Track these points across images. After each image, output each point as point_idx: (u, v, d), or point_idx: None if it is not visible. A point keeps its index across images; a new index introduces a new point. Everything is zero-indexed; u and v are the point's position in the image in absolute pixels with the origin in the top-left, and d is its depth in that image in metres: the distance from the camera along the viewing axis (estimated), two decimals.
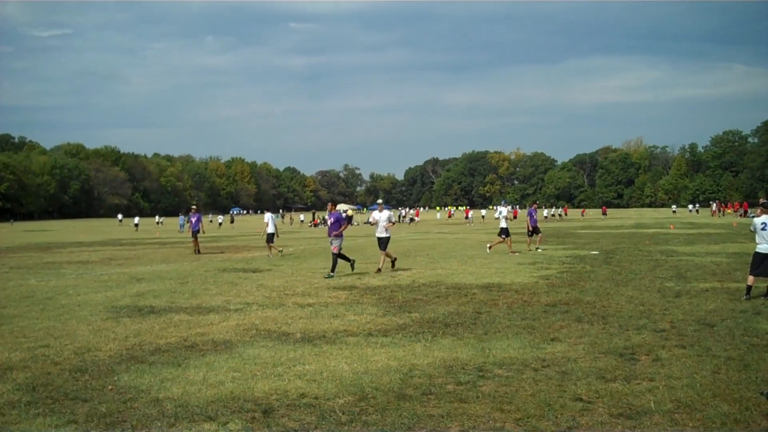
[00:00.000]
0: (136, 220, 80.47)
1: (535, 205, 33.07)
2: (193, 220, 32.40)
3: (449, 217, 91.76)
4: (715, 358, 8.66)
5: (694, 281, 16.67)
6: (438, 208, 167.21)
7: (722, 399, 6.97)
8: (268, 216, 29.37)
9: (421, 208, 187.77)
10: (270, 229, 28.24)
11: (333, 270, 19.57)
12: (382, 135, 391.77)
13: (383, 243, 21.07)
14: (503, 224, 27.28)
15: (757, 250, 14.31)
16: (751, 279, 14.03)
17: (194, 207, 36.23)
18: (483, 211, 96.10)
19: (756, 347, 9.22)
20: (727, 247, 28.52)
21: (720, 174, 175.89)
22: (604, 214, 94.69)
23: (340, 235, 20.20)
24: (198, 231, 31.81)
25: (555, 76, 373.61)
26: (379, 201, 22.23)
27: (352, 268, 20.20)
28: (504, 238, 26.89)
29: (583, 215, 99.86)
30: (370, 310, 13.32)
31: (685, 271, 19.09)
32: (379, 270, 20.42)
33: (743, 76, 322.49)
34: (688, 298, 13.97)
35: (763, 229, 14.16)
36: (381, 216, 21.29)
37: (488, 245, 28.53)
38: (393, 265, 21.13)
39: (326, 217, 21.01)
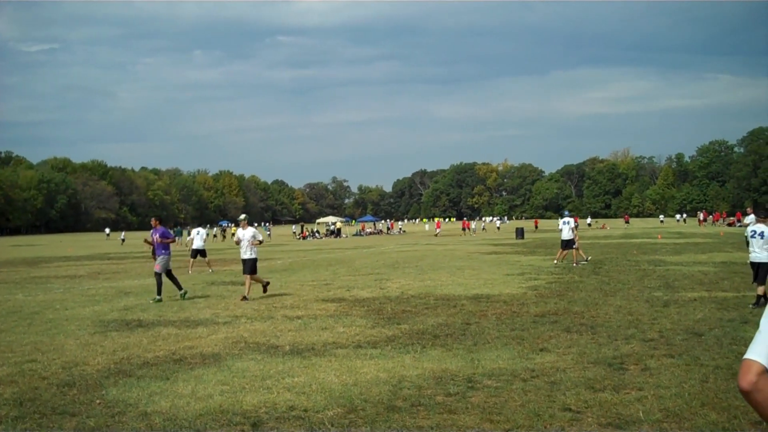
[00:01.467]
0: (122, 234, 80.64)
1: (576, 217, 31.82)
2: (155, 236, 31.10)
3: (466, 227, 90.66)
4: (703, 367, 8.68)
5: (682, 291, 16.73)
6: (424, 219, 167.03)
7: (711, 408, 6.99)
8: (194, 232, 28.93)
9: (416, 220, 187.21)
10: (196, 245, 27.88)
11: (159, 293, 17.39)
12: (370, 147, 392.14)
13: (248, 265, 17.73)
14: (568, 235, 26.18)
15: (749, 259, 14.27)
16: (760, 289, 13.78)
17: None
18: (498, 222, 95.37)
19: (743, 356, 9.23)
20: (714, 256, 28.63)
21: (707, 184, 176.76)
22: (627, 222, 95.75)
23: (167, 251, 18.03)
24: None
25: (543, 87, 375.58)
26: (242, 217, 19.30)
27: (181, 295, 17.74)
28: (571, 249, 26.19)
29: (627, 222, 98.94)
30: (359, 322, 13.30)
31: (672, 280, 19.15)
32: (244, 298, 17.15)
33: (729, 86, 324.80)
34: (676, 307, 14.01)
35: (752, 236, 14.17)
36: (245, 234, 18.17)
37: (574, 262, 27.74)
38: (264, 290, 18.16)
39: (151, 234, 17.76)
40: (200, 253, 28.10)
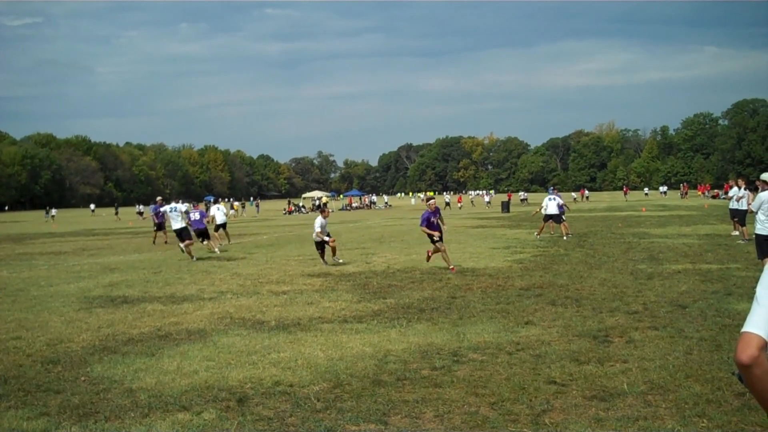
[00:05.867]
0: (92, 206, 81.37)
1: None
2: (161, 210, 31.39)
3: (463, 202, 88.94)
4: (687, 339, 8.73)
5: (667, 263, 16.79)
6: (411, 193, 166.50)
7: (695, 380, 7.02)
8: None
9: (401, 193, 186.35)
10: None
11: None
12: (356, 121, 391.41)
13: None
14: (555, 210, 26.28)
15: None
16: None
17: (159, 198, 34.07)
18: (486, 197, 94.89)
19: (727, 328, 9.30)
20: (699, 228, 28.74)
21: (691, 156, 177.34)
22: (625, 194, 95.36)
23: None
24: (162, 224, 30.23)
25: (528, 60, 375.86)
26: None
27: None
28: (559, 223, 26.39)
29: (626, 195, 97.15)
30: (344, 296, 13.31)
31: (657, 253, 19.22)
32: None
33: (714, 58, 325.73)
34: (660, 279, 14.07)
35: None
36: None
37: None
38: None
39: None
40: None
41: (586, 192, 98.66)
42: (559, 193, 28.22)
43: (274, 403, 6.78)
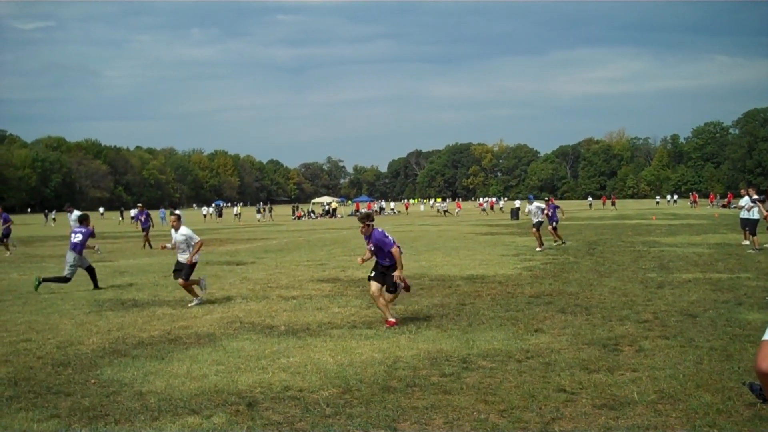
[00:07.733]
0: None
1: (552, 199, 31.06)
2: (142, 218, 32.98)
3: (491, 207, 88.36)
4: (697, 349, 8.70)
5: (677, 272, 16.74)
6: (417, 200, 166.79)
7: (705, 389, 7.00)
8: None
9: (411, 200, 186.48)
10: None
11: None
12: (366, 127, 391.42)
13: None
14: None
15: None
16: None
17: (140, 205, 37.67)
18: (486, 202, 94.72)
19: (738, 337, 9.26)
20: (709, 237, 28.64)
21: (701, 165, 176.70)
22: (613, 204, 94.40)
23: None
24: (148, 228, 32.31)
25: (539, 67, 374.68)
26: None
27: None
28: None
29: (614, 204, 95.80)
30: (354, 302, 13.31)
31: (667, 262, 19.16)
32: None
33: (725, 67, 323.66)
34: (670, 288, 14.02)
35: None
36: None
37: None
38: None
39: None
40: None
41: (590, 199, 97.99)
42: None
43: (283, 407, 6.79)
